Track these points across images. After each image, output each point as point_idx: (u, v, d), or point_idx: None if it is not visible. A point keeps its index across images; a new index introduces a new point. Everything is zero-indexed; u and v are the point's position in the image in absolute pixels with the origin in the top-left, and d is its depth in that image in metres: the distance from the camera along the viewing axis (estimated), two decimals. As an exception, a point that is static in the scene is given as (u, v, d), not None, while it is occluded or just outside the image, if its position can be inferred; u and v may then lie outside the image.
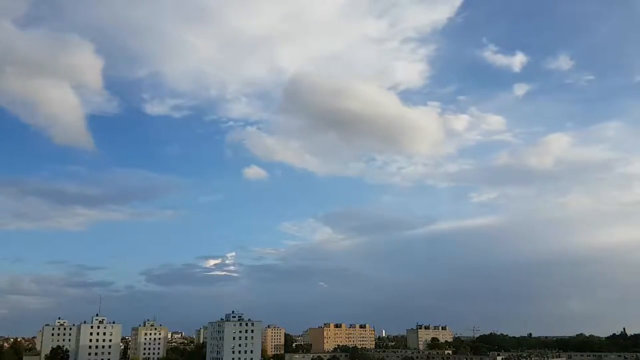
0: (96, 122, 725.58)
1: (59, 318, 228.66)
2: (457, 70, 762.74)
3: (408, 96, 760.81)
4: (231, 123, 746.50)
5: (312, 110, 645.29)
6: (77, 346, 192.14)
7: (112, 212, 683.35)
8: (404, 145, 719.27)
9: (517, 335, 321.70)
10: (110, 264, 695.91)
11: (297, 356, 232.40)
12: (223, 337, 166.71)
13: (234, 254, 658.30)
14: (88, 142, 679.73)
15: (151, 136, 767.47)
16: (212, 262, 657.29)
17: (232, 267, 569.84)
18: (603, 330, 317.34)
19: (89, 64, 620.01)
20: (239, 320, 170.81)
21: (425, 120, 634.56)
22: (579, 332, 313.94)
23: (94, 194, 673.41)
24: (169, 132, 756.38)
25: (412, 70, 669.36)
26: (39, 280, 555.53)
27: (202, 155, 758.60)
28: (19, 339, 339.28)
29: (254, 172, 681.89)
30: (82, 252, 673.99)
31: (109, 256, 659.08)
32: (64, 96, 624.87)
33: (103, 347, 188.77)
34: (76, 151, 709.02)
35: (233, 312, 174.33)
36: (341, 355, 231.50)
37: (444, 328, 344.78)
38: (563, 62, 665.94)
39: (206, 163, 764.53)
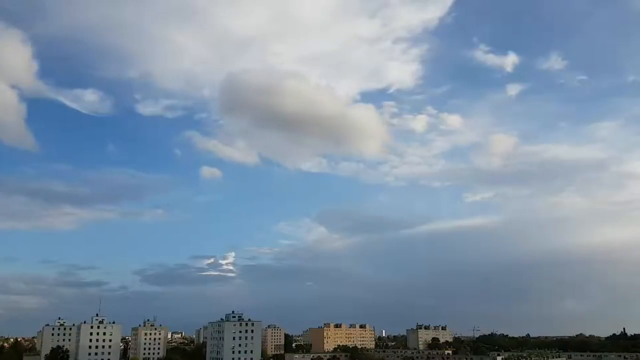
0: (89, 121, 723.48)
1: (59, 318, 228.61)
2: (449, 71, 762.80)
3: (399, 96, 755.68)
4: (221, 122, 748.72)
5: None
6: (77, 346, 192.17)
7: (101, 211, 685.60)
8: (394, 145, 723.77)
9: (517, 335, 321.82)
10: (102, 263, 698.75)
11: (297, 356, 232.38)
12: (223, 337, 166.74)
13: (229, 253, 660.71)
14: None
15: (140, 136, 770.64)
16: (207, 262, 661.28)
17: (228, 267, 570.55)
18: (603, 330, 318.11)
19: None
20: (239, 320, 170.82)
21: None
22: (579, 332, 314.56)
23: (82, 193, 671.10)
24: (158, 132, 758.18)
25: (404, 70, 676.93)
26: (31, 280, 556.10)
27: (192, 154, 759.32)
28: (19, 339, 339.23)
29: (209, 171, 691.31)
30: (73, 252, 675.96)
31: (101, 256, 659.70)
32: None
33: (103, 347, 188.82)
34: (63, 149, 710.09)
35: (233, 312, 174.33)
36: (341, 355, 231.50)
37: (444, 328, 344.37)
38: (555, 62, 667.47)
39: (197, 162, 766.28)
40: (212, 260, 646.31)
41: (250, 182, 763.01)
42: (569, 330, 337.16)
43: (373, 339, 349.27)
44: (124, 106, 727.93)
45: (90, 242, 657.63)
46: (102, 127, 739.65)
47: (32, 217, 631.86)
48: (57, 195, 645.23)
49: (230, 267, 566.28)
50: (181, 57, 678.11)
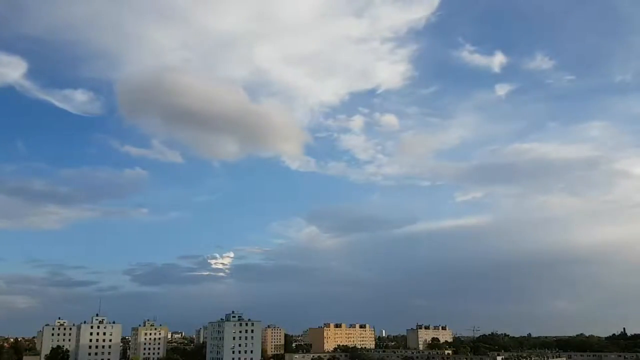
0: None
1: (59, 318, 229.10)
2: (436, 71, 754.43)
3: (388, 97, 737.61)
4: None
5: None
6: (77, 346, 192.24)
7: (84, 210, 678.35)
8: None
9: (517, 335, 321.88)
10: (89, 263, 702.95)
11: (297, 356, 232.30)
12: (223, 337, 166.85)
13: (220, 253, 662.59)
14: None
15: (125, 135, 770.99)
16: (196, 261, 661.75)
17: (218, 267, 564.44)
18: (603, 330, 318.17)
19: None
20: (239, 320, 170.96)
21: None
22: (579, 332, 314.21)
23: (63, 192, 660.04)
24: (142, 131, 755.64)
25: (392, 71, 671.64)
26: (20, 280, 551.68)
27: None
28: (19, 339, 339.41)
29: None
30: (59, 251, 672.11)
31: (87, 255, 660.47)
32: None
33: (103, 347, 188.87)
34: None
35: (233, 312, 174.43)
36: (341, 355, 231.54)
37: (444, 328, 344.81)
38: (542, 61, 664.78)
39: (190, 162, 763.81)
40: (201, 259, 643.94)
41: (239, 182, 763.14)
42: (569, 330, 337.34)
43: (373, 339, 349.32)
44: (111, 106, 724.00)
45: (76, 241, 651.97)
46: (82, 126, 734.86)
47: (14, 216, 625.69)
48: (38, 194, 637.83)
49: (221, 267, 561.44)
50: (165, 57, 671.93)
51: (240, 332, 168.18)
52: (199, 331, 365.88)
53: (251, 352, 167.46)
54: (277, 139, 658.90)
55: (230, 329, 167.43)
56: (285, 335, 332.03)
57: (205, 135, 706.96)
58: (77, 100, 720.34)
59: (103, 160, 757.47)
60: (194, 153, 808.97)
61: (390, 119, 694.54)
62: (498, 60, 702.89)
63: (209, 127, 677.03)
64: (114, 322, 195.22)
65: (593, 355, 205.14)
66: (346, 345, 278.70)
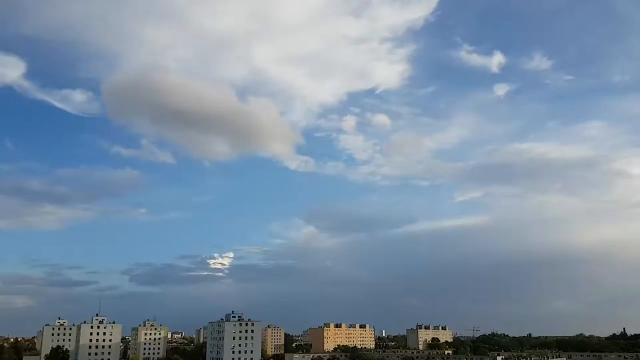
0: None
1: (59, 318, 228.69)
2: (435, 71, 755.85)
3: (387, 97, 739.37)
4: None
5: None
6: (77, 346, 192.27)
7: (81, 210, 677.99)
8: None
9: (517, 335, 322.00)
10: (87, 263, 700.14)
11: (297, 356, 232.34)
12: (223, 337, 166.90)
13: (219, 253, 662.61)
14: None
15: (120, 134, 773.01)
16: (195, 261, 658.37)
17: (217, 267, 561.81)
18: (603, 330, 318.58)
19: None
20: (239, 320, 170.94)
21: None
22: (579, 332, 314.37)
23: (60, 191, 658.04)
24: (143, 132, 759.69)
25: (390, 71, 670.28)
26: (19, 280, 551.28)
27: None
28: (19, 339, 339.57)
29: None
30: (56, 251, 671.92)
31: (85, 255, 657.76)
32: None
33: (103, 347, 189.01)
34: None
35: (233, 312, 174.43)
36: (341, 355, 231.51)
37: (444, 328, 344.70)
38: (540, 62, 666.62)
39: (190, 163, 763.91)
40: (200, 259, 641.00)
41: (238, 182, 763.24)
42: (569, 330, 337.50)
43: (373, 339, 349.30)
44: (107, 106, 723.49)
45: (74, 241, 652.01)
46: (81, 125, 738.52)
47: (12, 216, 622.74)
48: (36, 194, 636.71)
49: (220, 267, 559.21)
50: (164, 57, 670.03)
51: (240, 332, 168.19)
52: (199, 331, 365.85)
53: (251, 352, 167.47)
54: (270, 139, 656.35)
55: (230, 329, 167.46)
56: (285, 335, 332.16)
57: (200, 135, 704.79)
58: (76, 100, 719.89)
59: (101, 160, 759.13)
60: (186, 153, 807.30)
61: (388, 119, 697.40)
62: (496, 60, 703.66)
63: (202, 127, 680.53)
64: (113, 322, 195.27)
65: (593, 356, 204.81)
66: (346, 345, 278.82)
